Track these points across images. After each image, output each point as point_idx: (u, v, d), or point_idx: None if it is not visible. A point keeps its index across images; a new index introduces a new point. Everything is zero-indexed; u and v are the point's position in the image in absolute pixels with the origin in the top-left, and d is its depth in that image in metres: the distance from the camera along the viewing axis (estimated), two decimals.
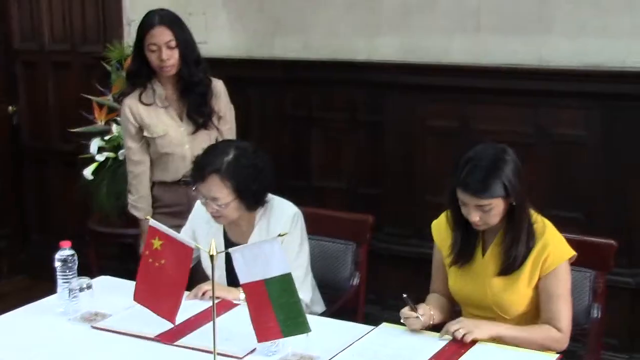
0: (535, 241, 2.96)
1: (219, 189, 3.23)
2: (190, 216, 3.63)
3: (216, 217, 3.34)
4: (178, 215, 3.98)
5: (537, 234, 2.97)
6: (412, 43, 4.77)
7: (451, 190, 2.97)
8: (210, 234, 3.44)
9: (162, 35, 3.95)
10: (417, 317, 2.93)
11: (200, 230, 3.53)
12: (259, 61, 5.23)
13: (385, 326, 3.05)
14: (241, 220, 3.41)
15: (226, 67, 4.96)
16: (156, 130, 4.07)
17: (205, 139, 4.05)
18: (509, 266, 2.98)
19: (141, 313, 2.95)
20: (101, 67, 5.36)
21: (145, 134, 4.10)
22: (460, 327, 2.88)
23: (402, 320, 2.97)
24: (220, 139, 4.06)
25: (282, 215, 3.42)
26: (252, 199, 3.32)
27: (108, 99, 5.22)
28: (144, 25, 4.01)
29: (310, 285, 3.51)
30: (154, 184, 4.21)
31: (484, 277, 3.04)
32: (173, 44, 3.96)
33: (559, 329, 2.95)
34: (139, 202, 4.18)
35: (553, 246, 2.96)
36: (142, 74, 4.07)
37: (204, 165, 3.25)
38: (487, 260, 3.04)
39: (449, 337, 2.88)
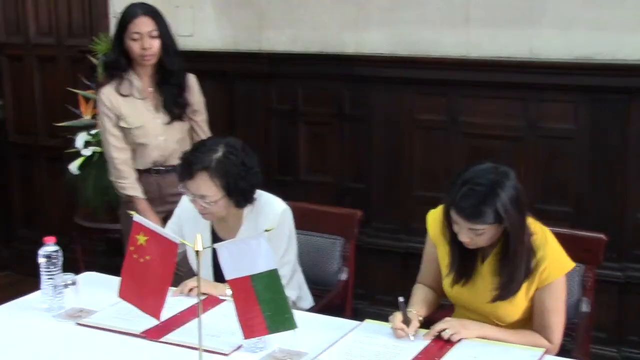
0: (534, 256, 2.89)
1: (208, 187, 3.20)
2: (177, 211, 3.60)
3: (204, 214, 3.32)
4: (150, 202, 4.21)
5: (535, 246, 2.90)
6: (401, 36, 4.75)
7: (446, 207, 2.90)
8: (198, 230, 3.39)
9: (145, 24, 4.06)
10: (407, 334, 2.87)
11: (188, 226, 3.50)
12: (245, 54, 5.20)
13: (368, 323, 3.02)
14: (229, 217, 3.38)
15: (212, 61, 4.95)
16: (133, 122, 4.16)
17: (179, 130, 4.24)
18: (505, 296, 2.92)
19: (127, 309, 2.93)
20: (87, 60, 5.34)
21: (121, 124, 4.17)
22: (448, 327, 2.85)
23: (389, 326, 2.92)
24: (197, 130, 4.31)
25: (271, 212, 3.39)
26: (240, 196, 3.29)
27: (94, 93, 5.18)
28: (127, 15, 4.11)
29: (297, 282, 3.49)
30: None
31: (482, 287, 2.98)
32: (155, 33, 4.07)
33: (550, 340, 2.92)
34: (134, 183, 4.22)
35: (551, 260, 2.90)
36: (120, 64, 4.16)
37: (192, 163, 3.22)
38: (485, 271, 2.98)
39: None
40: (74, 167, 5.07)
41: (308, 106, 5.11)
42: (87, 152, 5.04)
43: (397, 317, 2.90)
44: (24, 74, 6.18)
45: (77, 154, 5.08)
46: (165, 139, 4.20)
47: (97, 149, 5.02)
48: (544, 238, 2.93)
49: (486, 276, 2.97)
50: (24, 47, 6.12)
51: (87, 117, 5.20)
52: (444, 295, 3.17)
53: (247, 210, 3.40)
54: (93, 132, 5.07)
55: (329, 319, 3.12)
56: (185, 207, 3.51)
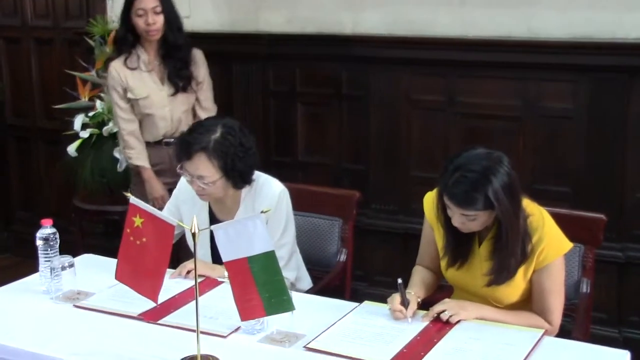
0: (530, 238, 2.87)
1: (206, 168, 3.19)
2: (175, 192, 3.59)
3: (201, 195, 3.31)
4: (161, 173, 4.49)
5: (532, 228, 2.88)
6: (398, 16, 4.72)
7: (439, 192, 2.88)
8: (195, 211, 3.40)
9: (149, 1, 4.32)
10: (405, 316, 2.86)
11: (185, 207, 3.49)
12: (242, 36, 5.17)
13: (367, 304, 3.02)
14: (227, 198, 3.37)
15: (210, 42, 4.92)
16: (140, 92, 4.43)
17: (184, 102, 4.51)
18: (500, 281, 2.91)
19: (124, 291, 2.91)
20: (84, 42, 5.31)
21: (129, 95, 4.43)
22: (446, 308, 2.85)
23: (388, 307, 2.92)
24: (197, 107, 4.56)
25: (268, 194, 3.38)
26: (238, 177, 3.27)
27: (92, 75, 5.18)
28: None
29: (295, 264, 3.48)
30: None
31: (479, 269, 2.97)
32: (159, 9, 4.34)
33: (550, 321, 2.91)
34: (141, 153, 4.48)
35: (548, 241, 2.88)
36: (127, 40, 4.44)
37: (190, 143, 3.20)
38: (482, 252, 2.97)
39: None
40: (72, 149, 5.05)
41: (305, 87, 5.09)
42: (85, 134, 5.02)
43: (396, 298, 2.89)
44: (21, 56, 6.15)
45: (75, 136, 5.06)
46: (170, 110, 4.46)
47: (95, 130, 5.01)
48: (540, 220, 2.91)
49: (483, 259, 2.96)
50: (21, 30, 6.09)
51: (84, 99, 5.18)
52: (443, 277, 3.16)
53: (244, 191, 3.38)
54: (91, 114, 5.06)
55: (327, 301, 3.11)
56: (182, 188, 3.50)
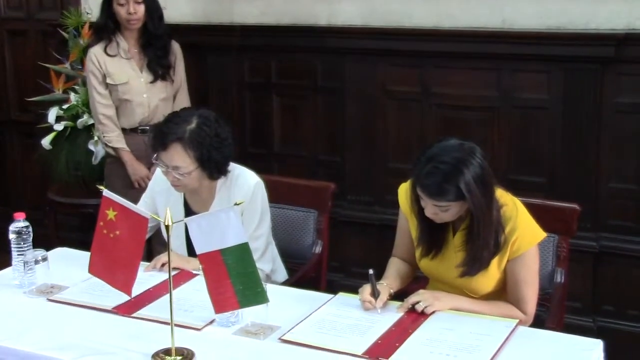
0: (504, 228, 2.88)
1: (181, 158, 3.18)
2: (150, 184, 3.59)
3: (176, 185, 3.29)
4: (137, 159, 4.55)
5: (505, 217, 2.89)
6: (373, 7, 4.72)
7: (412, 183, 2.88)
8: (170, 202, 3.39)
9: None
10: (374, 307, 2.87)
11: (160, 198, 3.49)
12: (217, 27, 5.16)
13: (341, 295, 3.02)
14: (202, 189, 3.37)
15: (184, 33, 4.91)
16: (119, 78, 4.51)
17: (162, 90, 4.59)
18: (473, 272, 2.92)
19: (98, 285, 2.92)
20: (58, 34, 5.28)
21: (108, 81, 4.52)
22: (421, 299, 2.85)
23: (358, 298, 2.92)
24: (176, 93, 4.66)
25: (244, 185, 3.37)
26: (214, 168, 3.27)
27: (66, 67, 5.14)
28: None
29: (270, 255, 3.48)
30: None
31: (453, 259, 2.98)
32: None
33: (524, 311, 2.92)
34: (119, 137, 4.56)
35: (522, 231, 2.89)
36: (108, 27, 4.52)
37: (166, 133, 3.19)
38: (456, 243, 2.98)
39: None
40: (46, 142, 5.02)
41: (281, 78, 5.08)
42: (59, 127, 4.98)
43: (366, 289, 2.90)
44: None
45: (50, 129, 5.03)
46: (148, 97, 4.55)
47: (70, 123, 4.99)
48: (514, 210, 2.92)
49: (457, 250, 2.97)
50: None
51: (58, 92, 5.15)
52: (419, 268, 3.17)
53: (219, 183, 3.38)
54: (65, 106, 5.03)
55: (303, 292, 3.11)
56: (158, 179, 3.49)
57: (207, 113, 3.31)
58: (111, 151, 4.58)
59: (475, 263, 2.89)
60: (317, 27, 4.86)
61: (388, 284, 3.00)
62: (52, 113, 5.03)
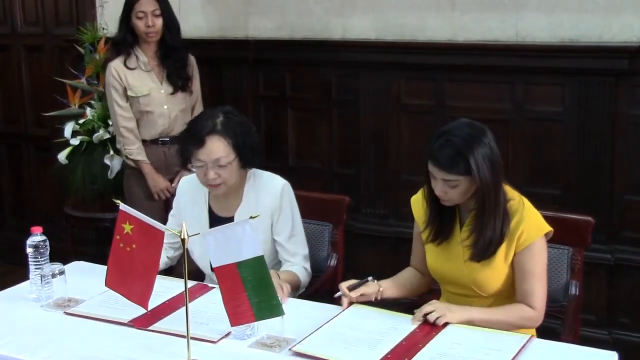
0: (510, 220, 2.93)
1: (220, 148, 3.23)
2: (175, 199, 3.61)
3: (216, 185, 3.31)
4: (157, 170, 4.66)
5: (511, 211, 2.94)
6: (387, 21, 4.74)
7: (426, 162, 2.96)
8: (195, 212, 3.47)
9: (149, 4, 4.53)
10: (348, 300, 2.99)
11: (186, 209, 3.52)
12: (232, 41, 5.19)
13: (354, 307, 3.02)
14: (230, 193, 3.40)
15: (199, 48, 4.93)
16: (140, 90, 4.61)
17: (181, 100, 4.69)
18: (480, 256, 2.95)
19: (114, 298, 2.94)
20: (74, 49, 5.31)
21: (129, 93, 4.61)
22: (434, 309, 2.87)
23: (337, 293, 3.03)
24: (194, 105, 4.77)
25: (272, 187, 3.44)
26: (250, 154, 3.33)
27: (82, 82, 5.17)
28: None
29: (308, 254, 3.56)
30: None
31: (461, 255, 3.02)
32: (158, 12, 4.55)
33: (532, 306, 2.93)
34: (140, 149, 4.65)
35: (528, 222, 2.93)
36: (127, 41, 4.62)
37: (199, 130, 3.25)
38: (464, 237, 3.02)
39: (421, 320, 2.87)
40: (62, 156, 5.05)
41: (295, 92, 5.10)
42: (75, 141, 5.01)
43: (349, 282, 3.03)
44: (10, 63, 6.16)
45: (66, 144, 5.06)
46: (169, 108, 4.64)
47: (86, 138, 5.01)
48: (520, 204, 2.97)
49: (465, 244, 3.00)
50: (11, 36, 6.10)
51: (74, 107, 5.18)
52: (434, 282, 3.18)
53: (247, 186, 3.43)
54: (81, 121, 5.06)
55: (318, 305, 3.11)
56: (181, 191, 3.57)
57: (228, 107, 3.42)
58: (132, 163, 4.67)
59: (483, 243, 2.92)
60: (332, 41, 4.89)
61: (382, 285, 3.07)
62: (69, 128, 5.06)
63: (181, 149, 3.37)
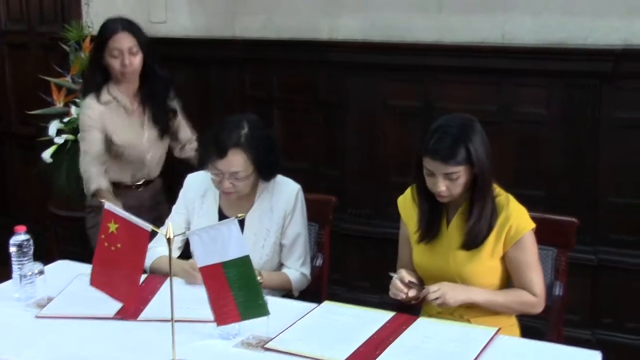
0: (497, 215, 2.99)
1: (240, 162, 3.24)
2: (182, 193, 3.59)
3: (229, 192, 3.32)
4: (137, 213, 3.93)
5: (499, 207, 3.00)
6: (374, 22, 4.74)
7: (417, 161, 2.99)
8: (204, 209, 3.48)
9: (126, 40, 3.95)
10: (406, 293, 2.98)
11: (195, 205, 3.52)
12: (218, 41, 5.17)
13: (327, 304, 3.06)
14: (241, 195, 3.40)
15: (186, 47, 4.93)
16: (122, 138, 4.05)
17: (163, 147, 4.21)
18: (472, 242, 3.00)
19: (83, 296, 2.96)
20: (59, 47, 5.29)
21: (114, 139, 4.04)
22: (437, 288, 2.93)
23: (390, 292, 3.02)
24: (179, 134, 4.28)
25: (287, 191, 3.46)
26: (269, 169, 3.35)
27: (67, 80, 5.16)
28: (106, 31, 3.99)
29: (310, 260, 3.59)
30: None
31: (447, 250, 3.06)
32: (135, 49, 3.97)
33: (534, 294, 3.01)
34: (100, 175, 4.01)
35: (516, 216, 3.00)
36: (95, 81, 4.04)
37: (223, 140, 3.23)
38: (451, 232, 3.06)
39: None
40: (46, 155, 5.02)
41: (282, 92, 5.10)
42: (59, 140, 4.98)
43: (408, 276, 3.03)
44: None
45: (50, 142, 5.03)
46: (152, 156, 4.15)
47: (70, 136, 4.98)
48: (506, 199, 3.04)
49: (451, 238, 3.05)
50: None
51: (59, 105, 5.15)
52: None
53: (260, 189, 3.44)
54: (66, 120, 5.03)
55: (303, 305, 3.10)
56: (191, 186, 3.55)
57: (253, 117, 3.39)
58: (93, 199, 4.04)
59: (476, 231, 2.98)
60: (319, 41, 4.88)
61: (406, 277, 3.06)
62: (53, 126, 5.03)
63: (202, 152, 3.38)
